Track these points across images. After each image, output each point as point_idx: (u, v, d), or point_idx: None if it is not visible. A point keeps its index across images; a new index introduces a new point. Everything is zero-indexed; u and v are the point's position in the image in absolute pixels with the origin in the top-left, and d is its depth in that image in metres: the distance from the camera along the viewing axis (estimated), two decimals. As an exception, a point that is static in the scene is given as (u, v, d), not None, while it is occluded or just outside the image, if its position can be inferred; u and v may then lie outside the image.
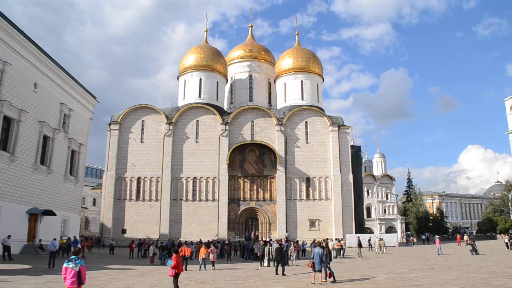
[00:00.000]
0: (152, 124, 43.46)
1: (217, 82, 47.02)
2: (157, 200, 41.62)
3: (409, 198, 73.97)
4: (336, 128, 44.01)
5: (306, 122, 44.33)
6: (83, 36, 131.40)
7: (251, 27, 60.60)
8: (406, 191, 77.51)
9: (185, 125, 43.60)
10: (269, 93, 54.02)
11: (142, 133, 43.18)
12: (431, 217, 71.20)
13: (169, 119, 43.27)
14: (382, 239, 33.45)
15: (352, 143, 50.05)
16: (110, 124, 42.87)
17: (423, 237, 56.07)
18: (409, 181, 77.13)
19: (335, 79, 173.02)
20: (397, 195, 68.44)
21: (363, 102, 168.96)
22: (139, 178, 42.19)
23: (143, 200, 41.74)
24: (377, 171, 65.63)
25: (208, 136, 43.21)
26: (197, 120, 43.78)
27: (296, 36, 51.76)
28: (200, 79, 46.09)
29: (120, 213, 41.17)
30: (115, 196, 41.43)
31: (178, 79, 48.95)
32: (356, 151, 46.39)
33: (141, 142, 43.01)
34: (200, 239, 34.93)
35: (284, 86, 47.81)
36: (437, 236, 31.19)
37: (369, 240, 35.61)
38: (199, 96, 45.43)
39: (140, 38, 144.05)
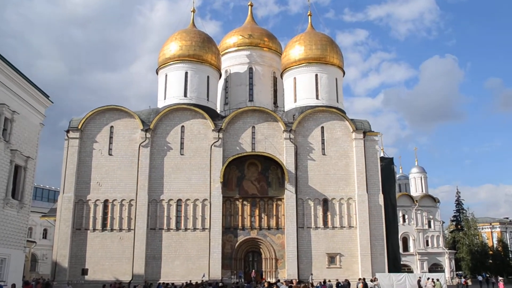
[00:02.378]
0: (124, 131, 43.93)
1: (208, 77, 47.70)
2: (130, 229, 42.01)
3: (459, 226, 74.17)
4: (361, 135, 44.62)
5: (323, 127, 45.01)
6: (31, 16, 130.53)
7: (251, 6, 61.01)
8: (455, 216, 77.90)
9: (167, 132, 44.12)
10: (275, 91, 54.65)
11: (110, 143, 43.58)
12: (491, 252, 71.09)
13: (146, 124, 43.73)
14: (438, 280, 33.05)
15: (382, 154, 51.13)
16: (68, 131, 43.28)
17: (481, 278, 55.77)
18: (459, 203, 77.55)
19: (360, 72, 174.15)
20: (443, 222, 68.87)
21: (396, 101, 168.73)
22: (106, 201, 42.60)
23: (111, 230, 42.05)
24: (416, 190, 66.19)
25: (197, 147, 43.73)
26: (182, 126, 44.35)
27: (309, 17, 52.49)
28: (186, 73, 46.70)
29: (80, 247, 41.39)
30: (73, 226, 41.72)
31: (157, 73, 49.65)
32: (387, 165, 46.74)
33: (109, 154, 43.47)
34: (186, 282, 34.84)
35: (293, 81, 48.42)
36: (500, 278, 30.99)
37: (419, 281, 35.69)
38: (185, 95, 45.99)
39: (107, 19, 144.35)
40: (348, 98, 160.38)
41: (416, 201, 61.85)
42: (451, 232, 76.03)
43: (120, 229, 42.18)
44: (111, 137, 43.82)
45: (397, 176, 71.81)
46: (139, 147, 43.32)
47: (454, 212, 77.70)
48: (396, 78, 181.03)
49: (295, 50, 48.51)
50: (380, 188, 43.98)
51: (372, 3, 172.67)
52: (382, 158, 47.01)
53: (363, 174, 43.70)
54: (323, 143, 44.56)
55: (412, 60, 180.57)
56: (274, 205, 43.26)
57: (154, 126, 43.87)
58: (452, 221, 78.46)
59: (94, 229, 42.19)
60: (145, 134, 43.35)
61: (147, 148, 43.28)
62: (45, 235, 61.00)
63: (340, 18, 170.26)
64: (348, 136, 44.91)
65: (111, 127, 44.12)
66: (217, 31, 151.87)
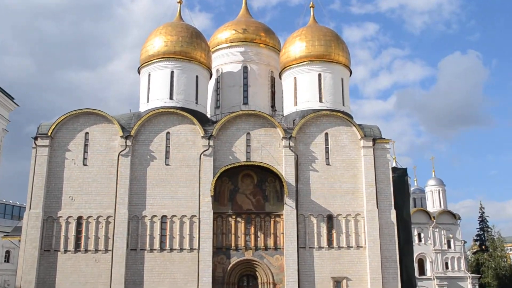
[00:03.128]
0: (101, 139, 43.50)
1: (197, 76, 47.36)
2: (107, 250, 41.37)
3: (483, 247, 73.20)
4: (371, 143, 44.19)
5: (327, 134, 44.59)
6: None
7: None
8: (478, 235, 76.96)
9: (150, 139, 43.73)
10: (272, 93, 54.29)
11: (85, 152, 43.13)
12: (521, 276, 70.18)
13: (126, 130, 43.31)
14: None
15: (394, 165, 50.97)
16: (36, 138, 42.86)
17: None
18: (483, 220, 76.64)
19: (370, 71, 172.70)
20: (465, 242, 67.91)
21: (411, 104, 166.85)
22: (80, 218, 41.97)
23: (86, 251, 41.42)
24: (433, 205, 65.52)
25: (184, 156, 43.28)
26: (168, 133, 43.92)
27: (311, 9, 51.82)
28: (172, 73, 46.34)
29: (49, 272, 40.58)
30: (41, 247, 40.96)
31: (139, 72, 49.33)
32: (400, 176, 46.36)
33: (84, 164, 42.93)
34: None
35: (293, 82, 48.10)
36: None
37: None
38: (170, 98, 45.62)
39: (82, 11, 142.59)
40: (355, 100, 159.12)
41: (434, 217, 61.24)
42: (474, 253, 75.09)
43: (96, 250, 41.41)
44: (86, 145, 43.25)
45: (412, 189, 71.28)
46: (118, 156, 42.73)
47: (478, 231, 77.01)
48: (411, 77, 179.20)
49: (296, 46, 48.17)
50: (392, 202, 43.49)
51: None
52: (394, 169, 46.37)
53: (372, 186, 43.19)
54: (327, 151, 44.11)
55: (429, 57, 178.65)
56: (272, 222, 42.77)
57: (136, 133, 43.34)
58: (475, 240, 77.60)
59: (66, 251, 41.31)
60: (125, 142, 42.80)
61: (128, 157, 42.68)
62: (7, 258, 60.06)
63: (347, 10, 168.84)
64: (356, 143, 44.54)
65: (86, 133, 43.59)
66: (208, 25, 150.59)
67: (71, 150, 43.12)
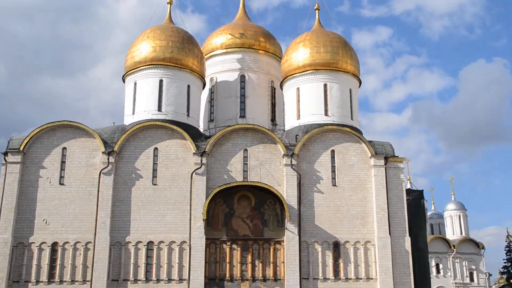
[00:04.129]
0: (80, 155, 43.40)
1: (188, 86, 47.50)
2: (85, 281, 41.00)
3: (511, 281, 72.79)
4: (382, 161, 44.30)
5: (333, 151, 44.79)
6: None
7: None
8: (505, 267, 76.31)
9: (136, 156, 43.71)
10: (273, 105, 54.58)
11: (62, 169, 42.98)
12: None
13: (109, 146, 43.24)
14: None
15: (409, 186, 50.80)
16: (6, 154, 42.76)
17: None
18: (510, 250, 76.16)
19: (382, 81, 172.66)
20: (490, 275, 67.48)
21: (428, 118, 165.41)
22: (55, 244, 41.59)
23: (61, 282, 40.98)
24: (453, 232, 65.33)
25: (174, 174, 43.33)
26: (155, 148, 44.00)
27: (317, 11, 52.15)
28: (161, 82, 46.43)
29: (18, 306, 40.04)
30: (10, 277, 40.46)
31: (124, 80, 49.42)
32: (416, 199, 46.40)
33: (61, 184, 42.75)
34: None
35: (296, 93, 48.24)
36: None
37: None
38: (159, 109, 45.70)
39: (60, 10, 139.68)
40: (365, 114, 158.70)
41: (454, 246, 61.02)
42: (501, 287, 74.60)
43: (73, 281, 41.02)
44: (63, 162, 43.10)
45: (429, 213, 70.73)
46: (100, 174, 42.65)
47: (504, 262, 76.23)
48: (428, 88, 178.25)
49: (299, 53, 48.30)
50: (407, 229, 43.39)
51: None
52: (409, 191, 46.52)
53: (384, 210, 43.18)
54: (333, 171, 44.26)
55: (449, 65, 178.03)
56: (272, 250, 42.67)
57: (119, 148, 43.30)
58: (502, 273, 77.07)
59: (38, 281, 40.82)
60: (108, 158, 42.72)
61: (110, 176, 42.63)
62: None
63: (357, 13, 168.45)
64: (366, 162, 44.60)
65: (64, 149, 43.48)
66: (201, 28, 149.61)
67: (46, 167, 42.88)
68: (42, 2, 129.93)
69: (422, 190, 48.51)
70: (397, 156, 44.92)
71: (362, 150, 44.85)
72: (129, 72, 48.05)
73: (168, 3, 52.10)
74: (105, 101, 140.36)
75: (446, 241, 61.93)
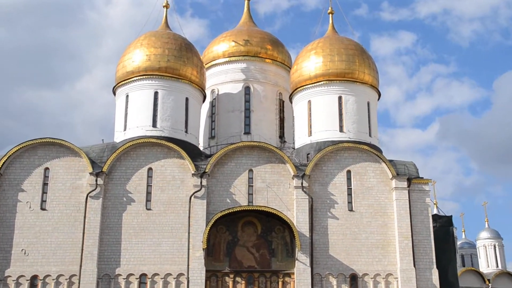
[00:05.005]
0: (64, 176, 42.53)
1: (186, 99, 46.69)
2: (70, 320, 39.91)
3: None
4: (405, 183, 43.30)
5: (349, 172, 44.02)
6: None
7: (248, 0, 61.27)
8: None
9: (127, 177, 42.94)
10: (281, 119, 54.31)
11: (44, 193, 42.04)
12: None
13: (98, 166, 42.34)
14: None
15: (436, 211, 49.83)
16: (-21, 176, 41.94)
17: None
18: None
19: (405, 93, 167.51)
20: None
21: (458, 134, 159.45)
22: (34, 278, 40.40)
23: (42, 321, 39.90)
24: (487, 264, 64.45)
25: (170, 198, 42.51)
26: (150, 169, 43.19)
27: (330, 15, 51.74)
28: (156, 94, 45.67)
29: None
30: (-18, 317, 39.57)
31: (114, 92, 48.73)
32: (444, 226, 45.53)
33: (42, 209, 41.69)
34: None
35: (307, 106, 47.44)
36: None
37: None
38: (154, 125, 44.91)
39: (44, 14, 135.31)
40: (386, 130, 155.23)
41: (489, 280, 59.50)
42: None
43: (56, 320, 40.11)
44: (45, 184, 42.18)
45: (459, 243, 70.63)
46: (87, 198, 41.67)
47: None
48: (457, 101, 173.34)
49: (310, 62, 47.49)
50: (434, 260, 42.33)
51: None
52: (436, 217, 45.82)
53: (408, 239, 42.08)
54: (350, 194, 43.44)
55: (481, 75, 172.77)
56: (280, 283, 41.73)
57: (109, 169, 42.37)
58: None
59: (16, 320, 39.96)
60: (96, 180, 41.78)
61: (98, 199, 41.65)
62: None
63: (376, 17, 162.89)
64: (386, 184, 43.70)
65: (46, 169, 42.53)
66: (201, 34, 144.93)
67: (26, 190, 41.96)
68: (23, 4, 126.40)
69: (451, 216, 47.86)
70: (422, 177, 44.11)
71: (382, 170, 44.02)
72: (120, 84, 47.35)
73: (164, 6, 51.67)
74: (93, 116, 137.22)
75: (480, 275, 60.27)
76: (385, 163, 43.70)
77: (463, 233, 75.92)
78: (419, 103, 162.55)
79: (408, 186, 43.22)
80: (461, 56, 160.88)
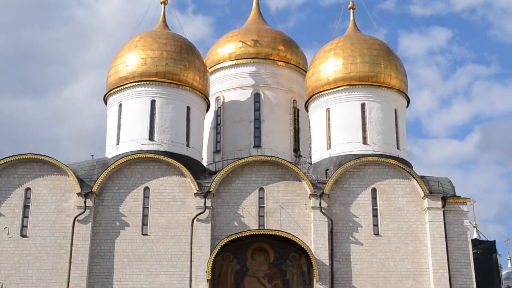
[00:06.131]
0: (49, 197, 41.62)
1: (188, 108, 45.89)
2: None
3: None
4: (440, 203, 42.00)
5: (374, 190, 42.88)
6: None
7: None
8: None
9: (121, 198, 42.13)
10: (296, 131, 53.29)
11: (25, 217, 41.09)
12: None
13: (87, 185, 41.51)
14: None
15: (476, 236, 49.21)
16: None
17: None
18: None
19: (438, 98, 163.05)
20: None
21: (501, 145, 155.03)
22: None
23: None
24: None
25: (169, 222, 41.56)
26: (146, 188, 42.33)
27: (351, 11, 51.05)
28: (153, 103, 44.83)
29: None
30: None
31: (106, 101, 48.00)
32: (486, 253, 44.73)
33: (23, 235, 40.70)
34: None
35: (326, 115, 46.39)
36: None
37: None
38: (150, 138, 43.99)
39: (25, 12, 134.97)
40: (417, 141, 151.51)
41: None
42: None
43: None
44: (26, 207, 41.28)
45: (504, 272, 69.78)
46: (74, 222, 40.61)
47: None
48: (500, 107, 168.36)
49: (329, 64, 46.39)
50: None
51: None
52: (476, 242, 45.16)
53: (444, 267, 40.64)
54: (375, 215, 42.29)
55: None
56: None
57: (100, 189, 41.55)
58: None
59: None
60: (84, 202, 40.72)
61: (87, 224, 40.70)
62: None
63: (405, 11, 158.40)
64: (417, 204, 42.46)
65: (27, 190, 41.66)
66: (205, 34, 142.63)
67: (4, 214, 41.22)
68: (2, 3, 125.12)
69: (494, 241, 47.06)
70: (460, 196, 43.00)
71: (412, 188, 42.85)
72: (112, 91, 46.52)
73: (162, 2, 51.04)
74: (81, 128, 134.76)
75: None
76: (416, 179, 42.52)
77: (509, 261, 75.42)
78: (455, 110, 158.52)
79: (443, 207, 42.06)
80: (505, 55, 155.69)
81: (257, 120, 52.38)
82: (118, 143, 44.70)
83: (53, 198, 41.39)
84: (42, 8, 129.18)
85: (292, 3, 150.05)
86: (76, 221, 40.45)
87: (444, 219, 41.80)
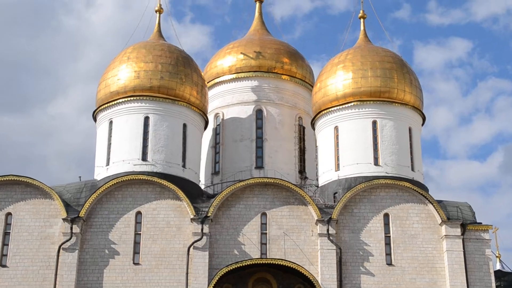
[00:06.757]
0: (32, 223, 41.42)
1: (184, 125, 45.89)
2: None
3: None
4: (459, 230, 41.54)
5: (387, 216, 42.43)
6: None
7: (260, 1, 60.61)
8: None
9: (111, 223, 41.79)
10: (301, 150, 52.99)
11: (4, 244, 41.11)
12: None
13: (73, 210, 41.40)
14: None
15: (499, 267, 48.67)
16: None
17: None
18: None
19: (457, 115, 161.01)
20: None
21: None
22: None
23: None
24: None
25: (163, 250, 41.17)
26: (138, 213, 41.93)
27: (362, 20, 50.95)
28: (146, 119, 44.67)
29: None
30: None
31: (95, 118, 47.94)
32: (510, 286, 45.18)
33: (2, 265, 40.52)
34: None
35: (334, 134, 46.14)
36: None
37: None
38: (143, 158, 43.89)
39: (8, 19, 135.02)
40: (433, 162, 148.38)
41: None
42: None
43: None
44: (6, 234, 41.08)
45: None
46: (59, 250, 40.17)
47: None
48: None
49: (337, 78, 45.98)
50: None
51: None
52: (499, 274, 45.40)
53: None
54: (388, 243, 41.73)
55: None
56: None
57: (88, 213, 41.19)
58: None
59: None
60: (71, 228, 40.36)
61: (74, 252, 40.17)
62: None
63: (421, 20, 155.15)
64: (434, 231, 41.92)
65: (8, 215, 41.48)
66: (203, 45, 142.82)
67: None
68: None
69: None
70: (481, 223, 42.41)
71: (428, 214, 42.34)
72: (102, 107, 46.23)
73: (156, 11, 50.78)
74: (68, 147, 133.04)
75: None
76: (432, 204, 42.07)
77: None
78: (476, 128, 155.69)
79: (463, 234, 41.52)
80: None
81: (259, 139, 51.84)
82: (108, 164, 44.24)
83: (36, 224, 40.87)
84: (27, 16, 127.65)
85: (298, 11, 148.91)
86: (61, 249, 39.80)
87: (463, 248, 41.04)
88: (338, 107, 45.68)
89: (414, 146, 45.71)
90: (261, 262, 40.46)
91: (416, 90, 46.91)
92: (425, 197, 42.33)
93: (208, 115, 49.66)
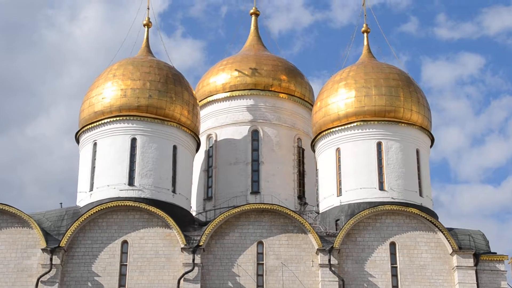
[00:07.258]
0: (8, 254, 40.85)
1: (174, 147, 45.56)
2: None
3: None
4: (471, 261, 40.79)
5: (394, 245, 41.80)
6: None
7: (257, 15, 60.30)
8: None
9: (94, 254, 41.15)
10: (300, 174, 52.59)
11: None
12: None
13: (54, 239, 40.85)
14: None
15: None
16: None
17: None
18: None
19: (469, 136, 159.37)
20: None
21: None
22: None
23: None
24: None
25: (152, 282, 40.52)
26: (124, 242, 41.43)
27: (365, 35, 50.69)
28: (133, 141, 44.44)
29: None
30: None
31: (78, 139, 47.60)
32: None
33: None
34: None
35: (336, 156, 46.05)
36: None
37: None
38: (130, 183, 43.61)
39: None
40: (443, 186, 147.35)
41: None
42: None
43: None
44: None
45: None
46: (37, 283, 39.34)
47: None
48: None
49: (339, 97, 45.91)
50: None
51: (493, 4, 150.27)
52: None
53: None
54: (395, 274, 40.96)
55: None
56: None
57: (69, 243, 40.68)
58: None
59: None
60: (50, 259, 39.66)
61: (54, 285, 39.52)
62: None
63: (429, 35, 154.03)
64: (445, 262, 41.22)
65: None
66: (195, 61, 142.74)
67: None
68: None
69: None
70: (495, 253, 41.66)
71: (438, 242, 41.68)
72: (86, 128, 45.75)
73: (144, 25, 50.59)
74: (49, 171, 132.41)
75: None
76: (442, 232, 41.47)
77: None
78: (489, 149, 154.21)
79: (476, 265, 40.84)
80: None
81: (255, 162, 51.63)
82: (91, 189, 43.74)
83: (12, 255, 40.30)
84: (6, 29, 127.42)
85: (297, 25, 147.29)
86: (39, 282, 39.08)
87: (477, 280, 40.38)
88: (340, 128, 45.13)
89: (422, 170, 45.24)
90: (258, 297, 40.81)
91: (424, 109, 46.47)
92: (435, 224, 41.63)
93: (200, 136, 49.23)
